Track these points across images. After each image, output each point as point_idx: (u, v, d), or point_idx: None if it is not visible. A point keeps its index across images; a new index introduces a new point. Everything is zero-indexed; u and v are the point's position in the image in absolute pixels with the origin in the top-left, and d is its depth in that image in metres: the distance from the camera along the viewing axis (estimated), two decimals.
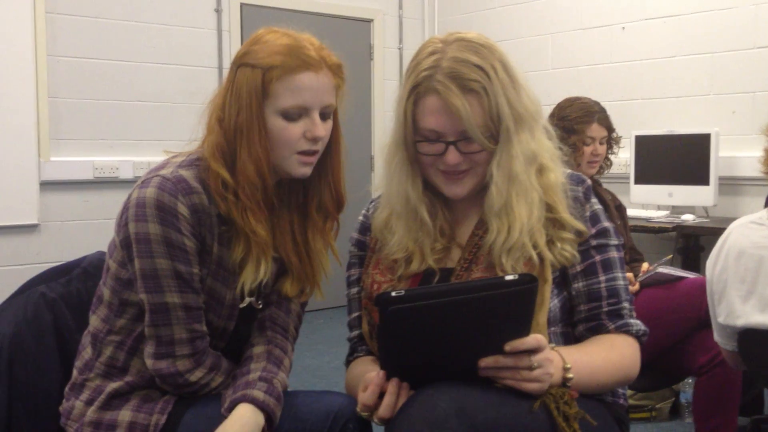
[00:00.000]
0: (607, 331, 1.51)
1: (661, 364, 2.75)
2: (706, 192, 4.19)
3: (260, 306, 1.63)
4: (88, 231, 4.63)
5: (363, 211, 1.70)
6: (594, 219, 1.53)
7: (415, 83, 1.46)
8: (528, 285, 1.25)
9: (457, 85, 1.42)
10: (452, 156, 1.46)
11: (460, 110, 1.41)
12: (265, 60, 1.48)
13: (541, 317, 1.43)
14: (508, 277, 1.25)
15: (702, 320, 2.65)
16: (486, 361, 1.29)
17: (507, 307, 1.26)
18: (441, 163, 1.48)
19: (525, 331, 1.29)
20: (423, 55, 1.48)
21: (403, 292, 1.23)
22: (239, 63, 1.52)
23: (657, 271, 2.84)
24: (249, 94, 1.49)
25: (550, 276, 1.46)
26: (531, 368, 1.29)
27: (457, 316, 1.25)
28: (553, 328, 1.49)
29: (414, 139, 1.49)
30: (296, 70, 1.48)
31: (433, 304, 1.23)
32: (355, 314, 1.65)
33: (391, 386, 1.33)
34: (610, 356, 1.48)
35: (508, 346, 1.28)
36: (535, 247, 1.45)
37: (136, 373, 1.55)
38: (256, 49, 1.51)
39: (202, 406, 1.52)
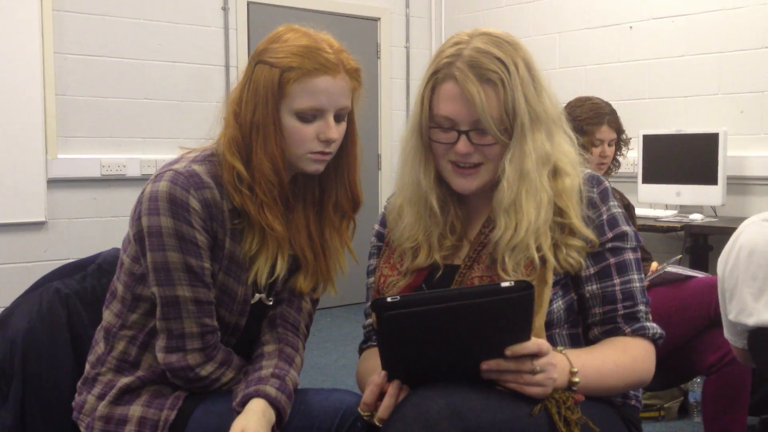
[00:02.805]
0: (623, 335, 1.50)
1: (670, 363, 2.73)
2: (714, 191, 4.18)
3: (271, 303, 1.63)
4: (96, 228, 4.64)
5: (385, 203, 1.71)
6: (612, 222, 1.52)
7: (436, 69, 1.47)
8: (524, 292, 1.24)
9: (475, 74, 1.42)
10: (463, 145, 1.45)
11: (474, 98, 1.41)
12: (284, 60, 1.49)
13: (539, 320, 1.41)
14: (504, 284, 1.24)
15: (711, 319, 2.64)
16: (488, 364, 1.29)
17: (504, 314, 1.26)
18: (452, 153, 1.48)
19: (525, 335, 1.29)
20: (447, 45, 1.49)
21: (398, 297, 1.24)
22: (258, 59, 1.53)
23: (666, 270, 2.83)
24: (266, 93, 1.49)
25: (551, 279, 1.44)
26: (534, 372, 1.29)
27: (453, 322, 1.25)
28: (557, 330, 1.49)
29: (428, 125, 1.49)
30: (313, 73, 1.48)
31: (428, 311, 1.23)
32: (370, 303, 1.66)
33: (392, 388, 1.33)
34: (621, 360, 1.47)
35: (509, 351, 1.27)
36: (538, 249, 1.44)
37: (147, 368, 1.55)
38: (275, 48, 1.51)
39: (212, 402, 1.53)
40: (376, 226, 1.69)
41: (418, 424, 1.23)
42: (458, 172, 1.49)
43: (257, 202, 1.51)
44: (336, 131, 1.53)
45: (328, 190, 1.63)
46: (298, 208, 1.61)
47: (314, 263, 1.62)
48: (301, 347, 1.64)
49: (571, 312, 1.51)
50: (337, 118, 1.54)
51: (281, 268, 1.56)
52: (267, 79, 1.49)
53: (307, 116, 1.51)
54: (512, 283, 1.24)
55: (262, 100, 1.50)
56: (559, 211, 1.48)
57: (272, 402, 1.46)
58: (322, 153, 1.54)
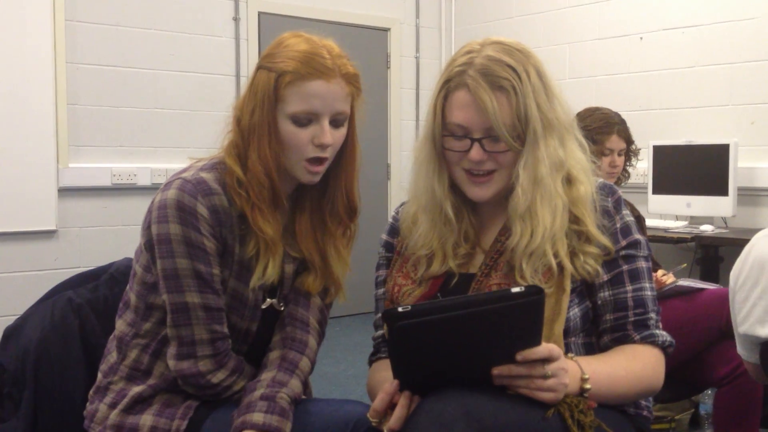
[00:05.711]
0: (633, 342, 1.50)
1: (681, 375, 2.73)
2: (724, 202, 4.17)
3: (282, 308, 1.63)
4: (106, 237, 4.66)
5: (393, 213, 1.72)
6: (625, 231, 1.52)
7: (448, 78, 1.48)
8: (534, 297, 1.25)
9: (487, 82, 1.44)
10: (476, 153, 1.46)
11: (487, 105, 1.42)
12: (280, 65, 1.51)
13: (557, 327, 1.42)
14: (515, 290, 1.25)
15: (723, 331, 2.63)
16: (500, 369, 1.29)
17: (515, 320, 1.26)
18: (465, 160, 1.49)
19: (536, 340, 1.29)
20: (459, 54, 1.50)
21: (409, 307, 1.24)
22: (260, 65, 1.56)
23: (678, 283, 2.82)
24: (263, 96, 1.52)
25: (568, 286, 1.45)
26: (545, 377, 1.29)
27: (464, 330, 1.26)
28: (573, 338, 1.49)
29: (441, 133, 1.50)
30: (307, 77, 1.50)
31: (439, 319, 1.24)
32: (380, 314, 1.66)
33: (403, 399, 1.33)
34: (632, 367, 1.47)
35: (520, 356, 1.28)
36: (555, 256, 1.44)
37: (159, 376, 1.56)
38: (275, 53, 1.54)
39: (222, 411, 1.53)
40: (384, 236, 1.69)
41: (434, 428, 1.23)
42: (472, 180, 1.50)
43: (250, 204, 1.53)
44: (330, 136, 1.54)
45: (326, 196, 1.65)
46: (304, 212, 1.63)
47: (323, 267, 1.64)
48: (311, 343, 1.63)
49: (586, 320, 1.51)
50: (335, 124, 1.55)
51: (273, 273, 1.56)
52: (264, 83, 1.52)
53: (301, 120, 1.52)
54: (522, 288, 1.25)
55: (260, 103, 1.52)
56: (574, 219, 1.49)
57: (260, 429, 1.44)
58: (318, 159, 1.55)
